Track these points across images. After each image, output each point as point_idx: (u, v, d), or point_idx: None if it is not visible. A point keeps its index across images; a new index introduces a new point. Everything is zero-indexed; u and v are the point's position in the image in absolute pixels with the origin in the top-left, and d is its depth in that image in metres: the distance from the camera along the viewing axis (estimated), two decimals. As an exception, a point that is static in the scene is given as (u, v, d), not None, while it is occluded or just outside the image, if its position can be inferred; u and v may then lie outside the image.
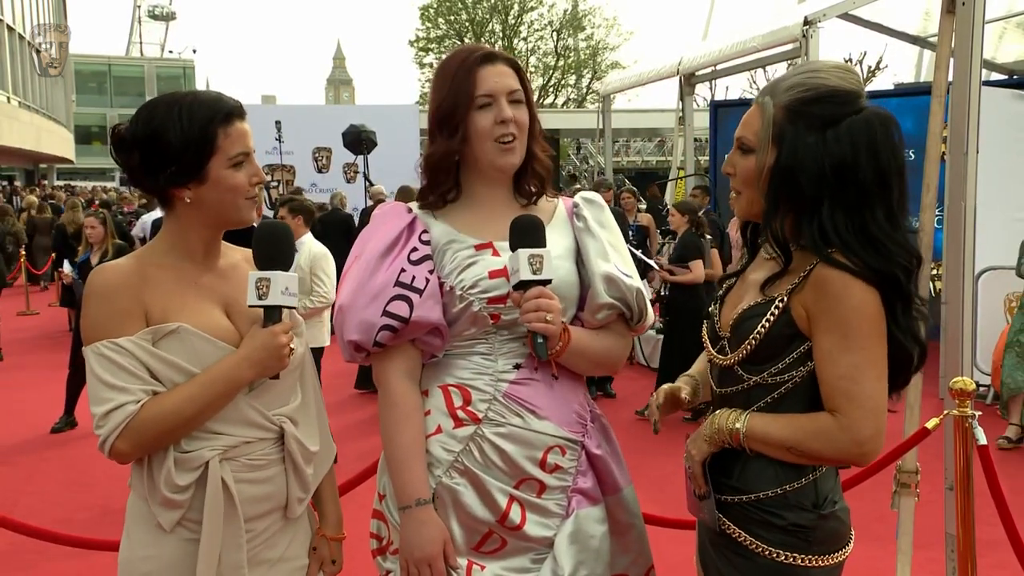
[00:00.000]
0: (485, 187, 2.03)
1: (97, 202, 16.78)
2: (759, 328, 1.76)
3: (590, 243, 2.04)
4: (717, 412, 1.83)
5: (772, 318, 1.75)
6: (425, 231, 1.99)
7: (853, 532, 1.85)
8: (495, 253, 1.97)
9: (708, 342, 1.92)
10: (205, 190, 1.85)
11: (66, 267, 8.16)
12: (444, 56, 2.11)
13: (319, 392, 2.06)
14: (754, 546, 1.76)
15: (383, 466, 2.06)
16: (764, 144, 1.77)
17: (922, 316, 1.78)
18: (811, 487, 1.77)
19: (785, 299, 1.74)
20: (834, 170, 1.70)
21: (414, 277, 1.92)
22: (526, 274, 1.86)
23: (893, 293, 1.70)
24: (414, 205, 2.07)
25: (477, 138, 1.95)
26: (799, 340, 1.74)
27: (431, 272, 1.94)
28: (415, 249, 1.95)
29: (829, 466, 1.80)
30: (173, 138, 1.81)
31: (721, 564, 1.83)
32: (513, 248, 1.89)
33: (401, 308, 1.89)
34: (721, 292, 1.97)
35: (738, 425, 1.77)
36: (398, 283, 1.90)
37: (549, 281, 1.88)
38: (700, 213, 7.96)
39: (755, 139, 1.79)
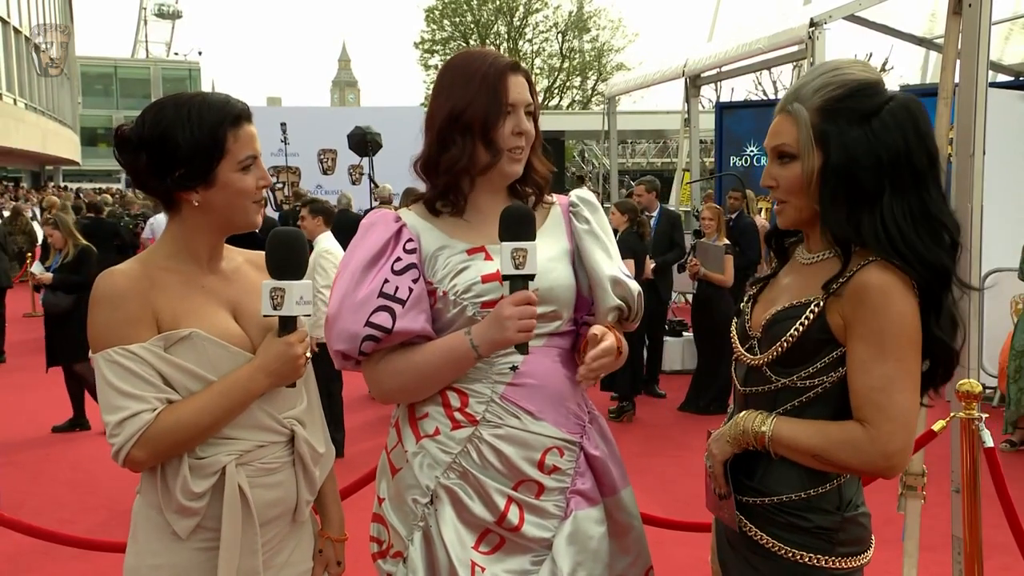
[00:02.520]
0: (484, 193, 2.03)
1: (85, 205, 16.66)
2: (792, 331, 1.74)
3: (595, 246, 2.04)
4: (743, 414, 1.81)
5: (807, 322, 1.73)
6: (411, 239, 1.98)
7: (873, 537, 1.84)
8: (487, 257, 1.96)
9: (737, 340, 1.91)
10: (213, 193, 1.83)
11: (36, 267, 7.51)
12: (455, 58, 2.06)
13: (317, 392, 2.07)
14: (776, 548, 1.75)
15: (382, 469, 2.06)
16: (807, 149, 1.74)
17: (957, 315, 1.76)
18: (835, 492, 1.76)
19: (821, 304, 1.73)
20: (891, 158, 1.69)
21: (397, 288, 1.92)
22: (508, 268, 1.85)
23: (939, 284, 1.69)
24: (413, 209, 2.06)
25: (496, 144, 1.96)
26: (832, 345, 1.72)
27: (415, 281, 1.94)
28: (399, 259, 1.95)
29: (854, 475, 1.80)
30: (182, 140, 1.78)
31: (742, 565, 1.82)
32: (502, 239, 1.88)
33: (384, 319, 1.89)
34: (754, 292, 1.95)
35: (764, 428, 1.75)
36: (381, 294, 1.91)
37: (532, 276, 1.87)
38: (734, 216, 7.95)
39: (796, 145, 1.75)
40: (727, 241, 7.66)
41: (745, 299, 1.96)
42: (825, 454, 1.71)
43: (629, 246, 7.24)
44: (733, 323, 1.95)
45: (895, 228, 1.69)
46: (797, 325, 1.74)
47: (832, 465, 1.72)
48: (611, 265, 2.03)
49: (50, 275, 7.22)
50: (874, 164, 1.69)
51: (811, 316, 1.73)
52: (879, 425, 1.67)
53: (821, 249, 1.81)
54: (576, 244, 2.07)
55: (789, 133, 1.76)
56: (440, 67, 2.10)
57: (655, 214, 8.41)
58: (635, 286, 2.04)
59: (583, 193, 2.15)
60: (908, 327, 1.67)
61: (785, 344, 1.75)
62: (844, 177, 1.71)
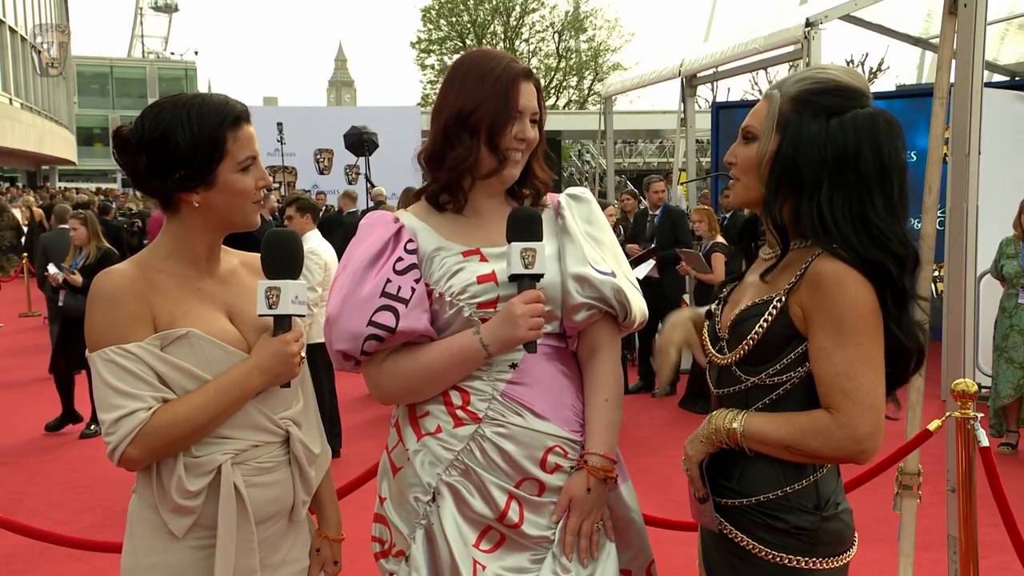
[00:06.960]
0: (482, 195, 2.03)
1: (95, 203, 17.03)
2: (757, 328, 1.76)
3: (567, 244, 2.03)
4: (714, 412, 1.83)
5: (771, 318, 1.75)
6: (411, 240, 1.99)
7: (857, 534, 1.84)
8: (483, 259, 1.98)
9: (708, 341, 1.92)
10: (214, 194, 1.84)
11: (51, 269, 7.35)
12: (471, 54, 2.06)
13: (313, 392, 2.07)
14: (756, 550, 1.76)
15: (383, 469, 2.07)
16: (768, 131, 1.78)
17: (920, 315, 1.78)
18: (812, 489, 1.77)
19: (783, 298, 1.75)
20: (835, 158, 1.71)
21: (400, 287, 1.92)
22: (517, 267, 1.88)
23: (884, 285, 1.71)
24: (410, 209, 2.07)
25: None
26: (797, 340, 1.74)
27: (417, 281, 1.95)
28: (400, 259, 1.95)
29: (829, 465, 1.80)
30: (182, 141, 1.79)
31: (725, 568, 1.82)
32: (509, 240, 1.90)
33: (387, 318, 1.90)
34: (724, 293, 1.97)
35: (735, 425, 1.77)
36: (384, 294, 1.91)
37: (541, 276, 1.90)
38: (728, 215, 7.94)
39: (760, 127, 1.80)
40: (721, 239, 7.68)
41: (716, 301, 1.97)
42: (796, 444, 1.71)
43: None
44: (704, 326, 1.96)
45: (831, 219, 1.71)
46: (761, 322, 1.75)
47: (804, 455, 1.73)
48: (579, 262, 2.00)
49: (79, 277, 7.14)
50: (818, 158, 1.72)
51: (774, 312, 1.75)
52: (846, 410, 1.68)
53: (777, 245, 1.82)
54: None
55: (759, 115, 1.82)
56: (454, 60, 2.09)
57: (658, 212, 8.42)
58: (609, 280, 1.99)
59: (573, 190, 2.15)
60: (865, 311, 1.68)
61: (751, 341, 1.76)
62: (788, 164, 1.74)
